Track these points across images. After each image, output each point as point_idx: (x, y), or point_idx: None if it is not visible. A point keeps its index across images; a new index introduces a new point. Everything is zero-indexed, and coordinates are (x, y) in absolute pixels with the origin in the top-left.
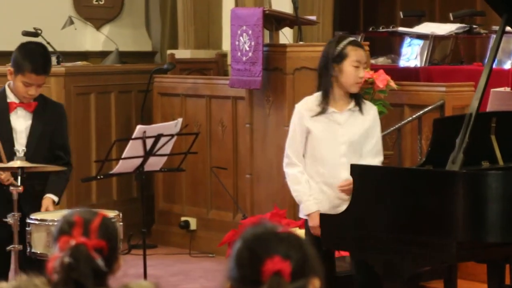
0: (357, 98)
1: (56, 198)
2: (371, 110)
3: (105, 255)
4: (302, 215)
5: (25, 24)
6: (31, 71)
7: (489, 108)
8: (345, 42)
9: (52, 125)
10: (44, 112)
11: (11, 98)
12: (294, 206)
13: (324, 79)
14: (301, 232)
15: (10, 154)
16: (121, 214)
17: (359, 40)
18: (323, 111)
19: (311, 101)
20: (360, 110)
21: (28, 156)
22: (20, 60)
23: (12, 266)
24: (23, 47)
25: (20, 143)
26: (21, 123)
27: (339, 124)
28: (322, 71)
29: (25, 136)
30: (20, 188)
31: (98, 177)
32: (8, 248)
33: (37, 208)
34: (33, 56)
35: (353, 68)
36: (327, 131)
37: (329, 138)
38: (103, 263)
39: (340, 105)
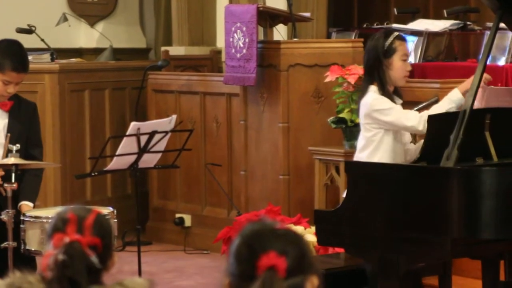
0: (397, 91)
1: (31, 204)
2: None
3: (99, 252)
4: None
5: (19, 21)
6: (12, 69)
7: (485, 105)
8: (392, 36)
9: (27, 123)
10: (19, 111)
11: None
12: (288, 203)
13: (377, 74)
14: (296, 229)
15: None
16: (115, 211)
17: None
18: (394, 103)
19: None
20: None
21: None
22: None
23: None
24: (0, 45)
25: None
26: None
27: None
28: (372, 66)
29: (3, 136)
30: (15, 185)
31: (93, 174)
32: (2, 245)
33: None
34: (13, 54)
35: (402, 62)
36: None
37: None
38: (97, 260)
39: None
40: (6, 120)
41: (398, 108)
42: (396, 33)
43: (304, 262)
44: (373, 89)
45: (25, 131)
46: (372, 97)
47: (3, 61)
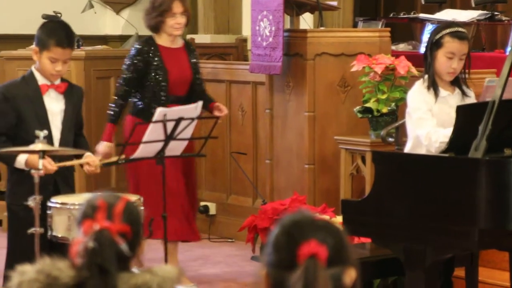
0: (457, 82)
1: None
2: (471, 94)
3: (128, 240)
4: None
5: (45, 7)
6: (56, 45)
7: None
8: (445, 31)
9: (77, 107)
10: (71, 94)
11: (41, 80)
12: (313, 192)
13: (426, 65)
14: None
15: (50, 138)
16: (142, 198)
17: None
18: (437, 95)
19: (424, 86)
20: (464, 93)
21: (62, 138)
22: (44, 37)
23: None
24: (45, 25)
25: (56, 126)
26: (55, 105)
27: (451, 107)
28: (425, 56)
29: (60, 119)
30: (42, 172)
31: (119, 162)
32: (29, 231)
33: (73, 190)
34: (57, 31)
35: (446, 59)
36: (444, 114)
37: (446, 121)
38: (127, 248)
39: (445, 88)
40: (63, 103)
41: (423, 113)
42: (452, 29)
43: (343, 254)
44: (420, 81)
45: (75, 114)
46: (411, 91)
47: (48, 38)
